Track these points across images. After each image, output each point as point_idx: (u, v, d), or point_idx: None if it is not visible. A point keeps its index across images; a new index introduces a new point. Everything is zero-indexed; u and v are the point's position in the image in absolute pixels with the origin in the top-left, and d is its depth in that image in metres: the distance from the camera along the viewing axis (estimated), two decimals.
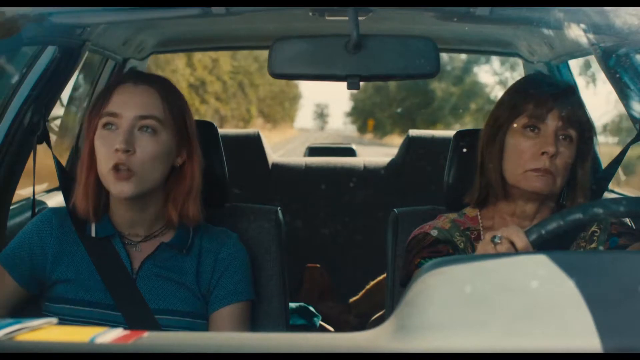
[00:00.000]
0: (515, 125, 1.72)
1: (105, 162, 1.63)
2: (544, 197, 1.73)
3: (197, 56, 20.15)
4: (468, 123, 26.94)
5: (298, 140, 27.73)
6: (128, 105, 1.65)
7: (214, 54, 20.38)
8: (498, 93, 25.87)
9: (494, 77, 29.62)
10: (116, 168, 1.62)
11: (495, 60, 28.89)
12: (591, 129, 1.76)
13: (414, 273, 1.76)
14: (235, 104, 25.91)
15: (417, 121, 29.38)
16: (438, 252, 1.75)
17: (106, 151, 1.63)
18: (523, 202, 1.74)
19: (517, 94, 1.76)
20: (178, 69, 18.97)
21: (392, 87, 32.71)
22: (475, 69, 28.72)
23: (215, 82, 22.28)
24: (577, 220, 1.42)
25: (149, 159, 1.64)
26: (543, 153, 1.67)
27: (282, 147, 21.35)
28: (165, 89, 1.70)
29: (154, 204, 1.71)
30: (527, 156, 1.69)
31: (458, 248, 1.77)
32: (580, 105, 1.75)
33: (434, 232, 1.78)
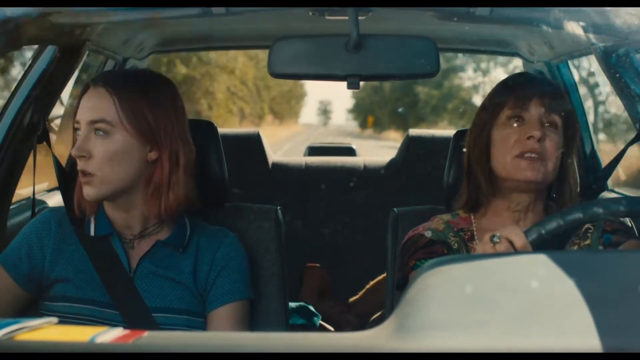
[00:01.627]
0: (498, 120, 1.73)
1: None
2: (536, 187, 1.72)
3: (236, 73, 25.17)
4: (446, 120, 31.01)
5: (304, 135, 31.52)
6: (84, 110, 1.68)
7: (244, 65, 25.46)
8: (472, 96, 31.74)
9: (468, 81, 34.09)
10: (79, 172, 1.67)
11: (470, 69, 33.24)
12: (575, 117, 1.78)
13: (410, 275, 1.76)
14: (253, 103, 30.86)
15: (408, 119, 33.61)
16: (433, 253, 1.74)
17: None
18: (517, 195, 1.74)
19: (497, 92, 1.78)
20: (223, 80, 23.38)
21: (387, 88, 36.77)
22: (452, 75, 32.29)
23: (244, 87, 27.32)
24: (576, 220, 1.42)
25: (105, 161, 1.65)
26: (529, 138, 1.68)
27: (290, 141, 24.46)
28: (119, 87, 1.68)
29: (138, 201, 1.71)
30: (512, 143, 1.69)
31: (452, 249, 1.77)
32: (561, 94, 1.77)
33: (428, 234, 1.78)
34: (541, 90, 1.73)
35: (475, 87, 32.34)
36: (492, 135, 1.74)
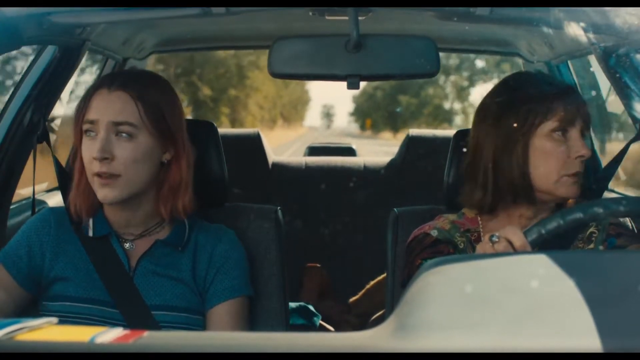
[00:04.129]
0: (540, 130, 1.68)
1: (88, 168, 1.67)
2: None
3: (262, 91, 33.31)
4: (422, 123, 38.43)
5: (309, 136, 37.75)
6: (103, 111, 1.65)
7: (268, 86, 33.49)
8: (442, 102, 41.03)
9: (441, 91, 41.49)
10: (98, 175, 1.64)
11: (441, 80, 40.37)
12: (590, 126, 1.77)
13: (415, 274, 1.75)
14: (270, 111, 39.54)
15: (397, 122, 42.34)
16: (439, 252, 1.74)
17: (88, 158, 1.66)
18: (541, 205, 1.72)
19: (539, 100, 1.69)
20: (255, 97, 31.71)
21: (379, 95, 45.72)
22: (427, 86, 39.27)
23: (266, 100, 36.55)
24: (577, 220, 1.42)
25: (129, 163, 1.65)
26: (577, 157, 1.67)
27: (297, 142, 28.33)
28: (140, 90, 1.68)
29: (146, 201, 1.72)
30: (561, 162, 1.67)
31: (458, 248, 1.76)
32: (585, 103, 1.75)
33: (434, 233, 1.77)
34: (583, 104, 1.71)
35: (446, 96, 41.64)
36: (532, 143, 1.68)
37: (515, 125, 1.70)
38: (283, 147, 22.80)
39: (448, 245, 1.76)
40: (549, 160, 1.68)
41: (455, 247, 1.76)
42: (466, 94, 38.69)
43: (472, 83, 36.91)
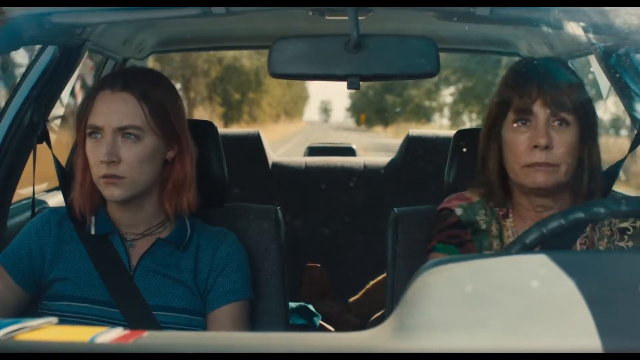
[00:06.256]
0: (507, 120, 1.68)
1: (95, 170, 1.67)
2: (553, 190, 1.67)
3: (271, 93, 39.30)
4: (407, 119, 43.98)
5: (309, 129, 43.16)
6: (108, 116, 1.65)
7: (275, 88, 38.94)
8: (422, 101, 44.78)
9: (421, 91, 44.87)
10: (105, 176, 1.65)
11: (419, 82, 43.04)
12: (590, 107, 1.68)
13: (429, 256, 1.74)
14: (275, 108, 46.04)
15: (387, 117, 47.98)
16: (456, 237, 1.73)
17: (94, 160, 1.66)
18: (535, 198, 1.70)
19: (504, 88, 1.71)
20: (266, 98, 37.85)
21: (370, 94, 50.38)
22: (409, 87, 43.21)
23: (273, 99, 42.78)
24: (578, 220, 1.42)
25: (135, 165, 1.65)
26: (535, 147, 1.62)
27: (298, 135, 33.25)
28: (144, 91, 1.68)
29: (150, 200, 1.72)
30: (520, 151, 1.64)
31: (479, 230, 1.74)
32: (571, 85, 1.67)
33: (459, 212, 1.76)
34: (545, 88, 1.64)
35: (426, 95, 44.35)
36: (503, 136, 1.69)
37: (488, 120, 1.73)
38: (285, 138, 27.98)
39: (467, 230, 1.74)
40: (512, 150, 1.67)
41: (476, 229, 1.74)
42: (434, 96, 43.65)
43: (437, 87, 41.37)
